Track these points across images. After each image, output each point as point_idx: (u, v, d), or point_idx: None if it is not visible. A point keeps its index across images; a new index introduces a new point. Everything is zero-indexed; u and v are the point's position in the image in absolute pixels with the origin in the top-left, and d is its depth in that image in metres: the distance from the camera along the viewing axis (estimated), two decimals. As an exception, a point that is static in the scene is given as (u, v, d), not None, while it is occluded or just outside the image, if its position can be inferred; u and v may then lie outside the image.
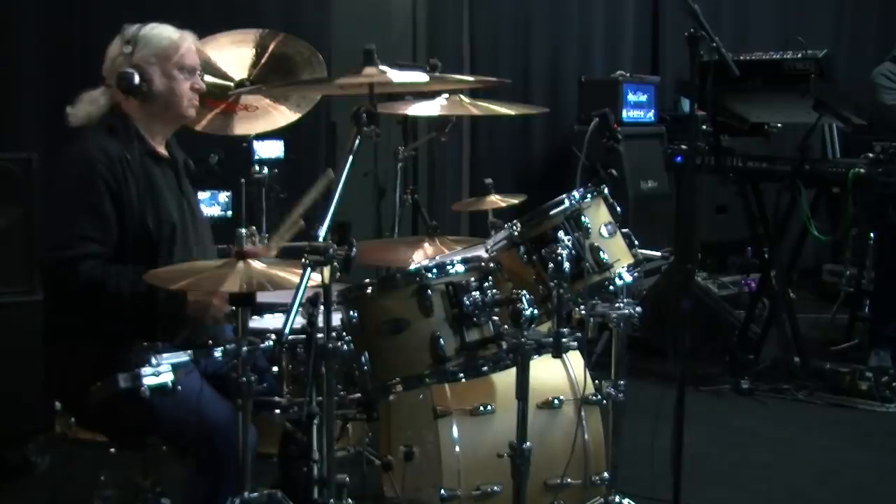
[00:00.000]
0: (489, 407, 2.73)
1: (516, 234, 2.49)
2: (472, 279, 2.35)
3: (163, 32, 2.58)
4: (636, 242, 2.62)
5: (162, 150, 2.64)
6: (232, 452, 2.16)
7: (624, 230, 2.60)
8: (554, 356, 2.38)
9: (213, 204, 4.16)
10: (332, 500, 2.10)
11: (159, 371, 2.01)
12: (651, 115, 6.09)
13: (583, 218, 2.48)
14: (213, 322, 2.43)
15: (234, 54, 3.07)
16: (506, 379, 2.50)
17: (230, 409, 2.23)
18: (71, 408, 2.59)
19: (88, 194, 2.41)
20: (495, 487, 2.69)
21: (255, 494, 2.16)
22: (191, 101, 2.62)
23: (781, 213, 4.80)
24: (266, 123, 3.12)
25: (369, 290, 2.35)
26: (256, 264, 2.19)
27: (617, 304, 2.74)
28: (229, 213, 4.16)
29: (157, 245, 2.47)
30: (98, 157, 2.44)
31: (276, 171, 3.92)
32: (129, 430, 2.50)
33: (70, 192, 2.47)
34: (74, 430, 2.57)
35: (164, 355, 2.05)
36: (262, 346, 2.11)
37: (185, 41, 2.60)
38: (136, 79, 2.51)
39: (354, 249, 2.03)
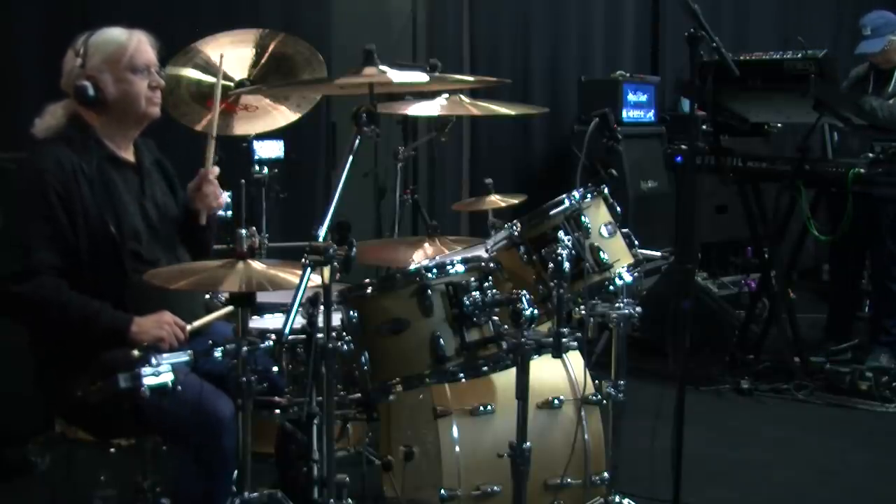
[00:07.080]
0: (489, 407, 2.73)
1: (516, 234, 2.50)
2: (472, 279, 2.35)
3: (110, 37, 2.54)
4: (636, 242, 2.63)
5: (125, 155, 2.60)
6: (233, 448, 2.16)
7: (624, 230, 2.61)
8: (554, 356, 2.38)
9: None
10: (332, 500, 2.10)
11: (159, 371, 2.01)
12: (651, 115, 6.09)
13: (583, 218, 2.49)
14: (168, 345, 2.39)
15: (234, 54, 3.06)
16: (506, 379, 2.50)
17: (232, 404, 2.23)
18: (59, 407, 2.59)
19: (39, 206, 2.39)
20: (495, 487, 2.69)
21: (255, 494, 2.16)
22: (150, 99, 2.56)
23: (781, 213, 4.80)
24: (266, 123, 3.12)
25: (369, 290, 2.35)
26: (256, 264, 2.19)
27: (617, 304, 2.74)
28: (229, 213, 4.15)
29: (120, 251, 2.45)
30: (47, 167, 2.42)
31: (276, 171, 3.93)
32: (125, 427, 2.50)
33: (21, 204, 2.45)
34: (74, 430, 2.57)
35: (164, 355, 2.05)
36: (261, 345, 2.11)
37: (132, 40, 2.54)
38: (91, 90, 2.48)
39: (354, 249, 2.03)
